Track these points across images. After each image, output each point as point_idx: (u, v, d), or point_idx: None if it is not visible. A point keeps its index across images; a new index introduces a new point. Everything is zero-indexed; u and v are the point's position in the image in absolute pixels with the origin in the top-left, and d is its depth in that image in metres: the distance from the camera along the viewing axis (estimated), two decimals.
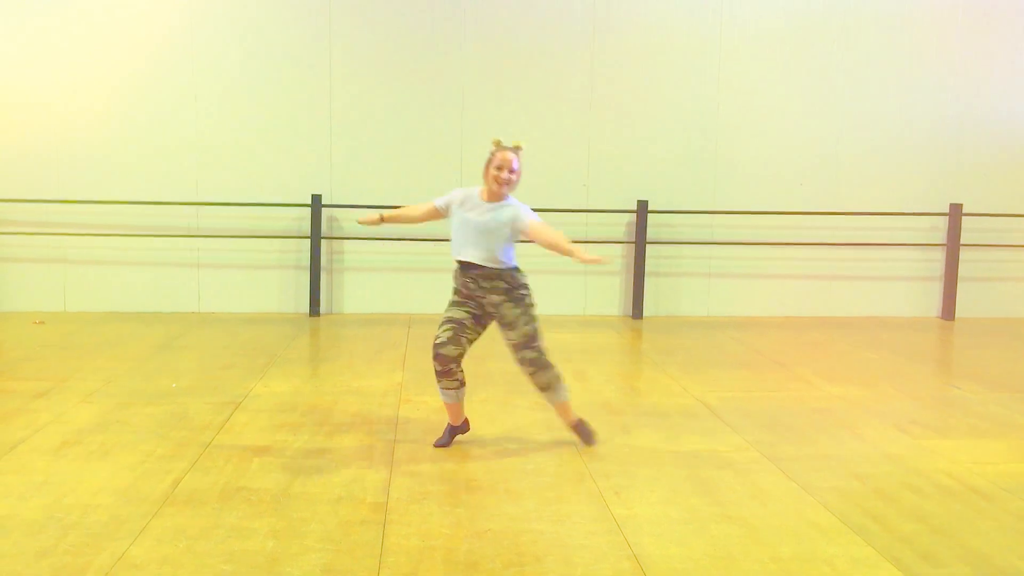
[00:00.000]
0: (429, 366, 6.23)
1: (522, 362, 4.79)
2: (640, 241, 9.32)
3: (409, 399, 5.87)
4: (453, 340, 4.69)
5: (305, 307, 9.27)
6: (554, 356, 7.20)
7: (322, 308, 9.26)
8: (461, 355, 4.74)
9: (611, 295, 9.63)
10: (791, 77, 9.55)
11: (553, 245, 4.63)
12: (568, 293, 9.56)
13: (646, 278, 9.43)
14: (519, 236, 4.74)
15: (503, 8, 9.24)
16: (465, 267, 4.72)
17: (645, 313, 9.46)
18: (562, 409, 4.95)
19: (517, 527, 3.80)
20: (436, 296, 9.30)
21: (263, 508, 3.94)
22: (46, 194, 8.99)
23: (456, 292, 4.82)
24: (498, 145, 4.78)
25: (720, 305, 9.69)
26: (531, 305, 4.81)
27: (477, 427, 5.22)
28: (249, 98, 9.13)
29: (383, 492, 4.17)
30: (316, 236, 9.11)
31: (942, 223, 9.78)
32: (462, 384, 4.81)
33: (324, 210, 9.19)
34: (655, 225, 9.44)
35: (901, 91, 9.67)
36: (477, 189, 4.79)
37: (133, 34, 8.97)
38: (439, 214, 4.88)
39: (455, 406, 4.86)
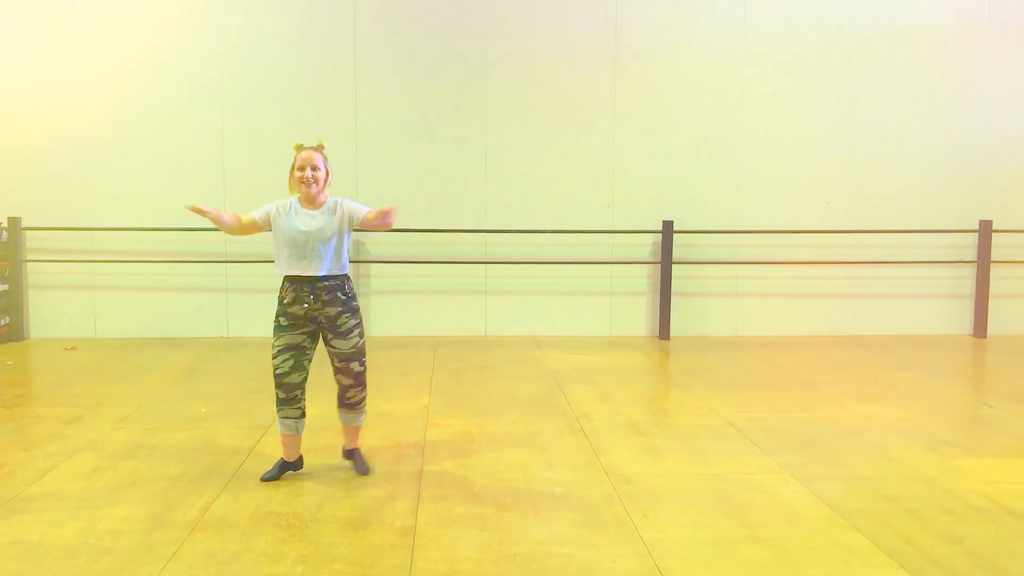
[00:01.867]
0: (456, 389, 6.27)
1: (346, 374, 4.69)
2: (666, 261, 9.31)
3: (436, 422, 5.88)
4: (296, 367, 4.61)
5: None
6: (581, 378, 7.24)
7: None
8: (305, 380, 4.67)
9: (637, 316, 9.60)
10: (814, 94, 9.53)
11: (380, 216, 4.52)
12: (594, 314, 9.55)
13: (672, 298, 9.40)
14: (355, 226, 4.64)
15: (526, 33, 9.30)
16: (302, 281, 4.54)
17: (672, 333, 9.43)
18: (355, 433, 4.88)
19: (545, 551, 3.79)
20: (462, 319, 9.38)
21: (292, 532, 3.96)
22: (76, 222, 9.12)
23: (285, 315, 4.59)
24: (299, 148, 4.67)
25: (747, 325, 9.64)
26: (361, 319, 4.73)
27: (504, 450, 5.22)
28: (276, 127, 9.22)
29: (411, 516, 4.18)
30: None
31: (972, 240, 9.69)
32: (303, 414, 4.71)
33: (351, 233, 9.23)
34: (680, 245, 9.42)
35: (928, 107, 9.62)
36: (293, 199, 4.66)
37: (162, 66, 9.10)
38: (257, 226, 4.66)
39: (294, 438, 4.69)
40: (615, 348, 8.83)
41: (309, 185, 4.56)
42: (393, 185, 9.30)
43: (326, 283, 4.57)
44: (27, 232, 9.13)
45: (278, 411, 4.66)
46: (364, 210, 4.65)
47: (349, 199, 4.74)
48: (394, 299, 9.43)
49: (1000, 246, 9.66)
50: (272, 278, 9.28)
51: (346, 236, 4.66)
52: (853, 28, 9.49)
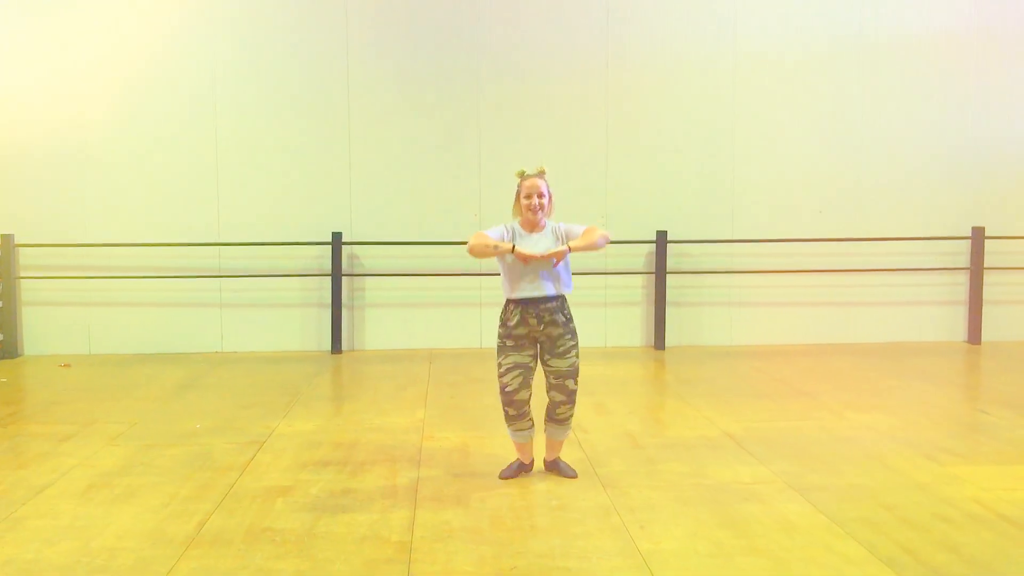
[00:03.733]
0: (452, 402, 6.25)
1: (560, 390, 4.81)
2: (660, 271, 9.32)
3: (432, 436, 5.87)
4: (525, 385, 4.77)
5: (327, 345, 9.31)
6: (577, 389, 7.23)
7: (344, 345, 9.30)
8: (530, 396, 4.83)
9: (633, 326, 9.61)
10: (808, 103, 9.56)
11: (592, 246, 4.78)
12: (589, 324, 9.52)
13: (667, 308, 9.41)
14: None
15: (519, 44, 9.33)
16: (530, 303, 4.70)
17: (667, 343, 9.43)
18: (558, 446, 5.01)
19: (543, 564, 3.78)
20: (457, 331, 9.37)
21: (288, 548, 3.94)
22: (69, 238, 9.10)
23: (510, 336, 4.73)
24: (522, 175, 4.85)
25: (743, 334, 9.64)
26: (578, 339, 4.88)
27: (501, 463, 5.21)
28: (269, 139, 9.24)
29: (407, 530, 4.16)
30: (337, 273, 9.17)
31: (965, 247, 9.72)
32: (532, 425, 4.90)
33: (344, 247, 9.25)
34: (675, 255, 9.44)
35: (920, 115, 9.66)
36: (515, 224, 4.83)
37: (152, 79, 9.11)
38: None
39: (527, 445, 4.95)
40: (610, 358, 8.83)
41: (536, 212, 4.73)
42: (387, 196, 9.30)
43: (550, 304, 4.72)
44: (20, 249, 9.12)
45: (510, 425, 4.84)
46: (578, 231, 4.81)
47: (563, 222, 4.89)
48: (389, 311, 9.42)
49: (993, 252, 9.69)
50: (265, 292, 9.32)
51: (568, 260, 4.81)
52: (846, 37, 9.53)
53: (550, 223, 4.86)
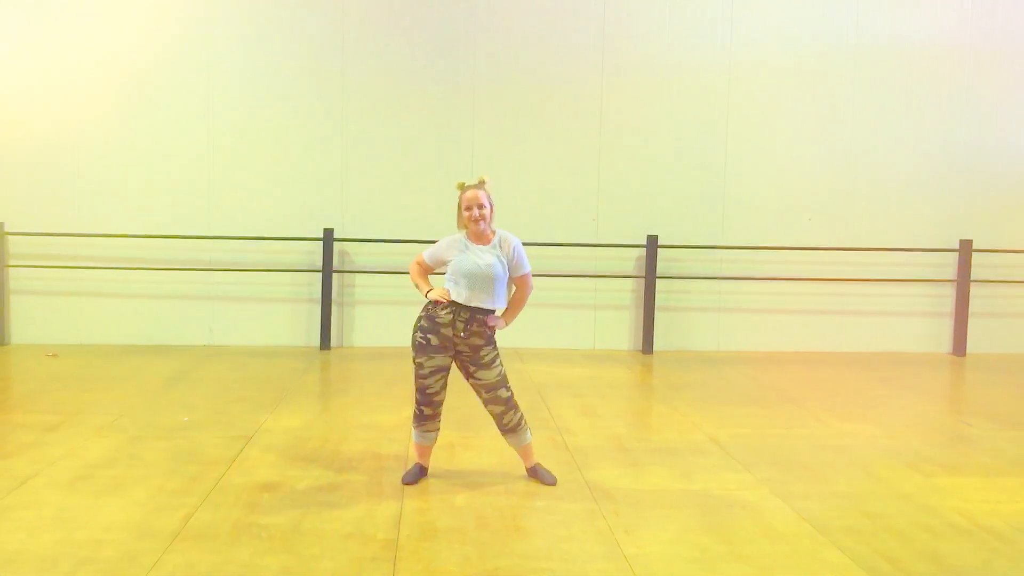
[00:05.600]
0: None
1: (495, 402, 4.82)
2: (650, 276, 9.35)
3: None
4: (445, 387, 4.79)
5: (316, 340, 9.31)
6: (564, 391, 7.25)
7: (332, 342, 9.29)
8: (445, 398, 4.84)
9: (621, 330, 9.64)
10: (799, 112, 9.61)
11: (516, 304, 4.91)
12: (578, 328, 9.57)
13: (656, 313, 9.44)
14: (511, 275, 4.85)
15: (514, 45, 9.34)
16: (462, 310, 4.71)
17: (655, 348, 9.46)
18: (526, 452, 4.98)
19: (527, 565, 3.79)
20: None
21: (274, 544, 3.94)
22: (59, 228, 9.07)
23: (430, 336, 4.72)
24: (462, 187, 4.86)
25: (730, 340, 9.68)
26: (497, 346, 4.87)
27: (486, 464, 5.23)
28: (262, 133, 9.23)
29: (393, 529, 4.17)
30: (328, 270, 9.16)
31: (952, 259, 9.78)
32: (439, 430, 4.92)
33: (336, 244, 9.24)
34: (665, 260, 9.46)
35: (910, 127, 9.71)
36: (460, 235, 4.85)
37: (147, 71, 9.09)
38: (429, 269, 4.93)
39: (429, 448, 4.93)
40: (598, 361, 8.85)
41: (477, 222, 4.74)
42: (379, 194, 9.30)
43: (482, 315, 4.73)
44: (10, 237, 9.08)
45: (419, 426, 4.83)
46: (523, 271, 4.88)
47: (518, 242, 4.91)
48: (379, 309, 9.43)
49: (980, 265, 9.76)
50: (256, 287, 9.31)
51: (509, 277, 4.84)
52: (838, 47, 9.58)
53: (499, 234, 4.86)
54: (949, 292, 9.85)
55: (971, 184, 9.81)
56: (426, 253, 4.92)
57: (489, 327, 4.75)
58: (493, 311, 4.79)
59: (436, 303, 4.75)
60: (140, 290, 9.23)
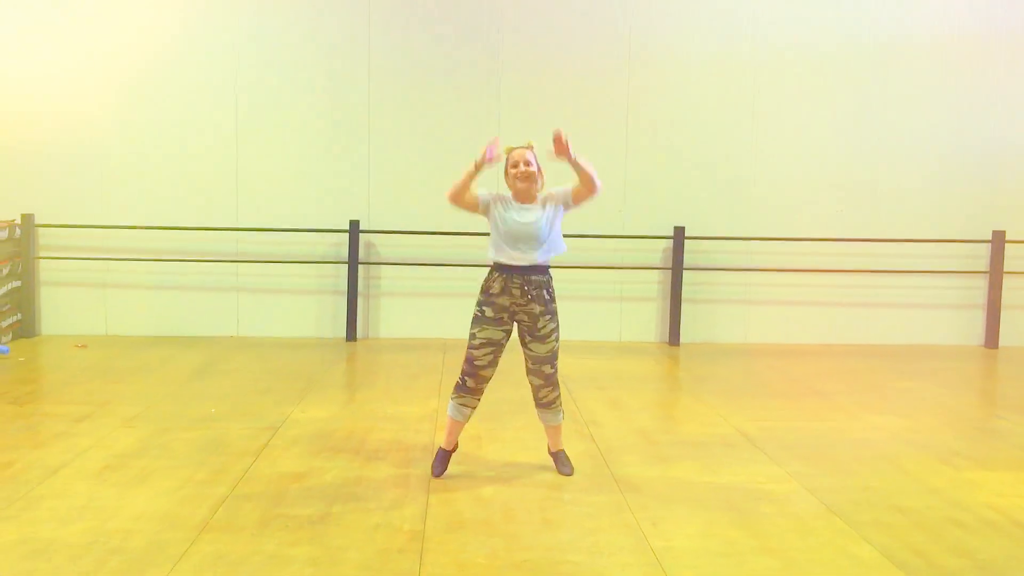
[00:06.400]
0: None
1: (538, 375, 4.78)
2: (677, 267, 9.29)
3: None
4: (493, 363, 4.73)
5: (342, 332, 9.33)
6: (590, 384, 7.23)
7: (358, 333, 9.32)
8: (492, 377, 4.80)
9: (647, 321, 9.59)
10: (828, 102, 9.50)
11: (588, 174, 4.77)
12: (603, 319, 9.54)
13: (683, 304, 9.38)
14: (570, 205, 4.83)
15: (539, 36, 9.30)
16: (516, 271, 4.64)
17: (682, 340, 9.41)
18: (555, 432, 4.96)
19: (554, 558, 3.78)
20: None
21: (301, 535, 3.96)
22: (88, 219, 9.14)
23: (491, 305, 4.68)
24: (509, 150, 4.82)
25: (758, 332, 9.61)
26: (559, 322, 4.80)
27: (513, 456, 5.22)
28: (288, 126, 9.25)
29: (420, 520, 4.17)
30: (353, 261, 9.18)
31: (984, 250, 9.65)
32: (475, 409, 4.87)
33: (361, 236, 9.26)
34: (692, 251, 9.40)
35: (942, 116, 9.58)
36: (507, 195, 4.80)
37: (174, 63, 9.13)
38: (476, 206, 4.79)
39: (461, 426, 4.86)
40: (624, 354, 8.82)
41: (524, 180, 4.69)
42: (405, 186, 9.30)
43: (537, 278, 4.67)
44: (39, 229, 9.17)
45: (458, 398, 4.75)
46: (569, 187, 4.82)
47: (556, 189, 4.84)
48: (404, 300, 9.44)
49: (1013, 257, 9.62)
50: (282, 279, 9.35)
51: (559, 226, 4.79)
52: (867, 37, 9.46)
53: (541, 195, 4.80)
54: (981, 284, 9.72)
55: (1004, 174, 9.66)
56: (478, 189, 4.77)
57: (563, 145, 4.64)
58: (546, 268, 4.72)
59: (488, 279, 4.68)
60: (168, 281, 9.29)
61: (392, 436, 5.61)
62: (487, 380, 4.77)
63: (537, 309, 4.68)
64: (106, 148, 9.15)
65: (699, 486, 4.76)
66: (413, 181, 9.33)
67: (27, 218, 9.04)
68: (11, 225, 8.90)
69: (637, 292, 9.55)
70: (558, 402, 4.88)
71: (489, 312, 4.69)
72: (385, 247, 9.39)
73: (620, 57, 9.35)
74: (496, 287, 4.68)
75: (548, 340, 4.72)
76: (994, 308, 9.58)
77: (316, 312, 9.42)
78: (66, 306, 9.26)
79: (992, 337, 9.59)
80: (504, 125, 9.31)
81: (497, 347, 4.71)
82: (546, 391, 4.82)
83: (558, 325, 4.78)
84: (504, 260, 4.66)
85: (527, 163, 4.71)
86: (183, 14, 9.12)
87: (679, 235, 9.27)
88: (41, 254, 9.20)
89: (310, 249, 9.33)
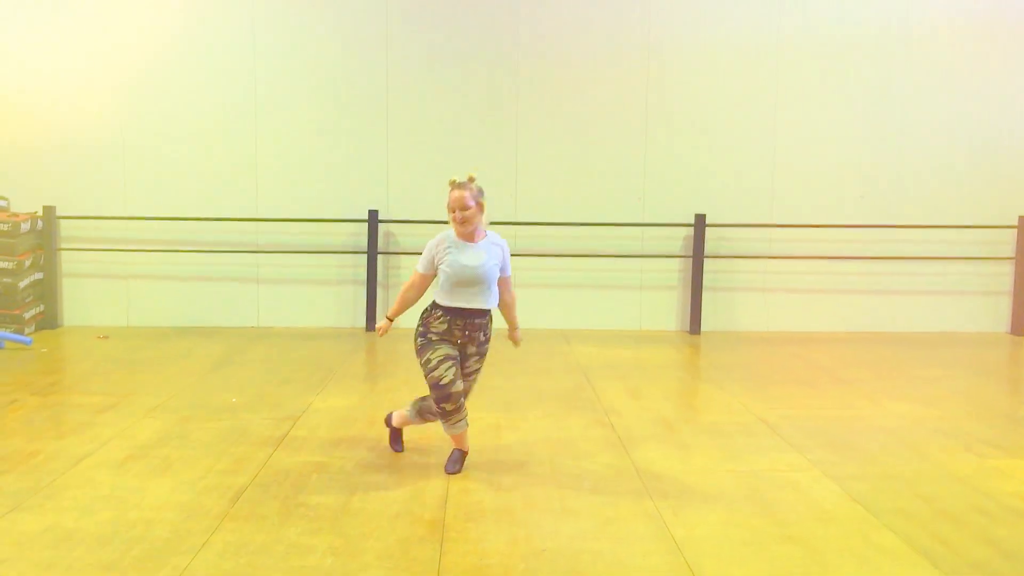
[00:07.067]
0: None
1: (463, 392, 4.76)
2: (698, 255, 9.24)
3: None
4: (457, 375, 4.62)
5: (362, 322, 9.35)
6: (610, 372, 7.21)
7: (378, 323, 9.31)
8: (462, 391, 4.72)
9: (668, 310, 9.55)
10: (849, 87, 9.41)
11: (510, 307, 4.96)
12: (624, 308, 9.50)
13: (704, 293, 9.33)
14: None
15: (559, 26, 9.26)
16: (461, 314, 4.62)
17: (703, 328, 9.36)
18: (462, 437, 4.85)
19: (575, 546, 3.77)
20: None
21: (322, 524, 3.96)
22: (109, 211, 9.20)
23: (434, 332, 4.66)
24: (452, 185, 4.74)
25: (779, 320, 9.55)
26: (484, 362, 4.90)
27: (532, 445, 5.22)
28: (307, 116, 9.26)
29: (440, 509, 4.17)
30: (373, 251, 9.19)
31: (1010, 236, 9.54)
32: (467, 411, 4.80)
33: (381, 225, 9.27)
34: (712, 239, 9.35)
35: (965, 101, 9.47)
36: (451, 233, 4.74)
37: (193, 56, 9.15)
38: (427, 280, 4.79)
39: (465, 433, 4.82)
40: (645, 342, 8.79)
41: (462, 224, 4.66)
42: (423, 175, 9.29)
43: (481, 320, 4.71)
44: (61, 221, 9.23)
45: (447, 420, 4.68)
46: (508, 273, 4.89)
47: (506, 244, 4.89)
48: None
49: None
50: (302, 269, 9.36)
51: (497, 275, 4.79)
52: (889, 22, 9.35)
53: (489, 236, 4.77)
54: (1007, 270, 9.61)
55: None
56: (419, 266, 4.77)
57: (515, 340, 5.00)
58: (488, 311, 4.73)
59: (431, 315, 4.69)
60: (188, 272, 9.34)
61: (413, 426, 5.59)
62: (460, 394, 4.65)
63: (471, 349, 4.72)
64: (126, 140, 9.19)
65: (720, 474, 4.74)
66: (431, 170, 9.30)
67: (48, 210, 9.10)
68: (33, 217, 8.96)
69: (657, 280, 9.51)
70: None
71: (434, 338, 4.66)
72: (404, 236, 9.39)
73: (639, 45, 9.29)
74: (440, 327, 4.65)
75: (469, 379, 4.79)
76: (1020, 294, 9.48)
77: (336, 302, 9.44)
78: (88, 297, 9.32)
79: (1019, 324, 9.49)
80: (522, 113, 9.28)
81: (455, 360, 4.64)
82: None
83: (483, 367, 4.86)
84: (450, 303, 4.62)
85: (463, 208, 4.63)
86: (201, 5, 9.13)
87: (700, 223, 9.22)
88: (63, 246, 9.26)
89: (329, 239, 9.34)
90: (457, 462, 4.78)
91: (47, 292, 9.11)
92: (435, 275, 4.75)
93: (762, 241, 9.46)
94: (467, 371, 4.77)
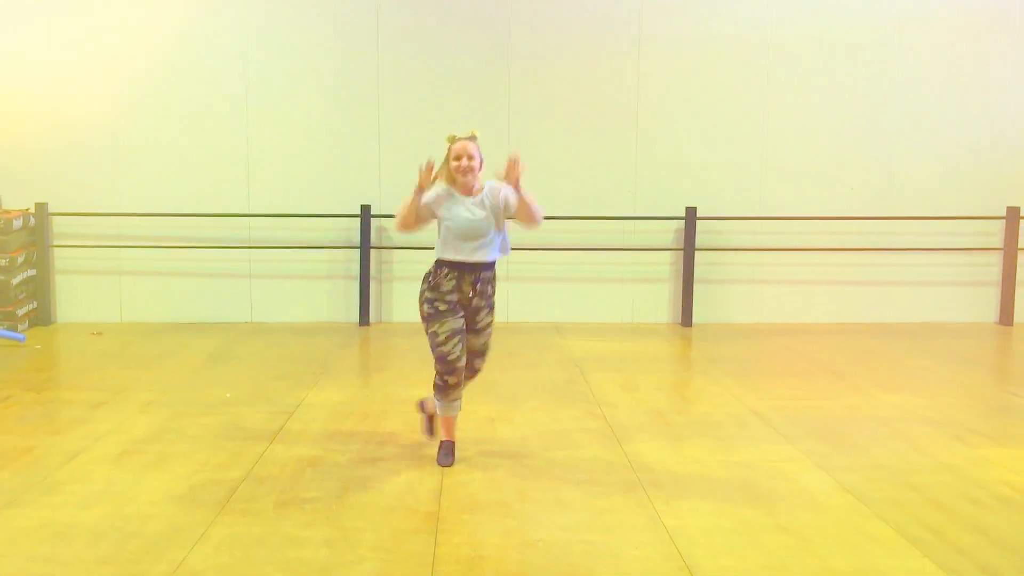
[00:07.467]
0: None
1: (469, 369, 4.78)
2: (689, 248, 9.27)
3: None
4: (463, 351, 4.66)
5: (355, 317, 9.36)
6: (603, 365, 7.24)
7: (371, 318, 9.34)
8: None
9: (659, 303, 9.58)
10: (839, 80, 9.43)
11: (530, 211, 4.67)
12: (615, 301, 9.53)
13: (695, 285, 9.37)
14: (511, 215, 4.73)
15: (549, 18, 9.26)
16: (467, 268, 4.62)
17: (694, 321, 9.40)
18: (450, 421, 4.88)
19: (568, 537, 3.80)
20: None
21: (317, 517, 3.99)
22: (102, 208, 9.18)
23: (437, 304, 4.63)
24: (452, 139, 4.76)
25: (770, 312, 9.59)
26: (495, 314, 4.83)
27: (527, 437, 5.25)
28: (299, 111, 9.25)
29: (434, 501, 4.20)
30: (365, 246, 9.20)
31: (998, 227, 9.59)
32: (462, 397, 4.84)
33: (373, 220, 9.27)
34: (703, 232, 9.37)
35: (954, 93, 9.50)
36: (446, 187, 4.73)
37: (186, 49, 9.13)
38: (429, 219, 4.76)
39: (454, 420, 4.85)
40: (637, 335, 8.82)
41: (464, 174, 4.64)
42: (415, 172, 9.25)
43: (486, 273, 4.68)
44: (54, 217, 9.21)
45: (443, 397, 4.72)
46: (512, 199, 4.68)
47: (494, 184, 4.76)
48: (416, 285, 9.34)
49: None
50: (295, 264, 9.36)
51: (503, 223, 4.74)
52: (879, 14, 9.38)
53: (487, 186, 4.74)
54: (995, 260, 9.66)
55: (1017, 150, 9.58)
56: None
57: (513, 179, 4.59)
58: (493, 263, 4.71)
59: (437, 275, 4.65)
60: (181, 268, 9.33)
61: (406, 419, 5.63)
62: (463, 371, 4.72)
63: (481, 303, 4.70)
64: (118, 136, 9.17)
65: (712, 465, 4.78)
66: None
67: (41, 207, 9.08)
68: (25, 214, 8.95)
69: (649, 273, 9.54)
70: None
71: (443, 307, 4.63)
72: (397, 232, 9.38)
73: (631, 37, 9.30)
74: (448, 284, 4.63)
75: (483, 333, 4.76)
76: (1008, 285, 9.53)
77: (329, 297, 9.45)
78: (81, 294, 9.31)
79: (1007, 314, 9.54)
80: (513, 106, 9.29)
81: (462, 335, 4.66)
82: (467, 383, 4.86)
83: (494, 318, 4.82)
84: (456, 258, 4.62)
85: (470, 156, 4.65)
86: (194, 2, 9.11)
87: (691, 215, 9.25)
88: (56, 242, 9.25)
89: (322, 234, 9.34)
90: (449, 454, 4.80)
91: (40, 289, 9.10)
92: (430, 216, 4.73)
93: (753, 233, 9.49)
94: (479, 325, 4.72)
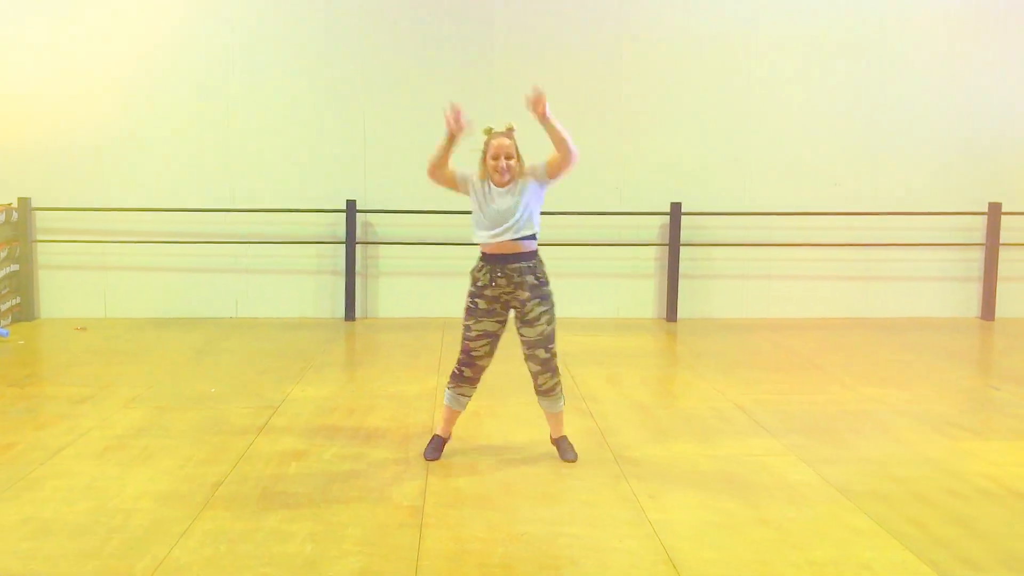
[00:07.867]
0: None
1: (533, 360, 4.68)
2: (674, 243, 9.29)
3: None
4: (490, 353, 4.70)
5: (340, 312, 9.35)
6: (589, 360, 7.26)
7: (357, 313, 9.33)
8: (489, 365, 4.77)
9: (645, 298, 9.61)
10: (823, 75, 9.47)
11: (562, 138, 4.70)
12: (601, 296, 9.55)
13: (680, 280, 9.39)
14: (547, 182, 4.73)
15: (532, 15, 9.26)
16: (497, 260, 4.57)
17: (679, 316, 9.43)
18: (556, 420, 4.84)
19: (552, 531, 3.81)
20: None
21: (302, 512, 3.99)
22: (86, 202, 9.14)
23: (477, 300, 4.61)
24: (490, 133, 4.74)
25: (755, 307, 9.63)
26: (553, 304, 4.68)
27: (512, 432, 5.26)
28: (283, 105, 9.22)
29: (419, 496, 4.21)
30: (351, 241, 9.19)
31: (980, 222, 9.65)
32: (471, 397, 4.85)
33: (359, 215, 9.26)
34: (688, 227, 9.40)
35: (937, 89, 9.56)
36: (478, 177, 4.74)
37: (169, 43, 9.09)
38: (455, 184, 4.82)
39: (457, 415, 4.86)
40: (622, 330, 8.84)
41: (503, 173, 4.61)
42: (401, 164, 9.28)
43: (519, 265, 4.58)
44: (37, 212, 9.16)
45: (455, 387, 4.74)
46: (542, 162, 4.71)
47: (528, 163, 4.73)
48: (403, 280, 9.45)
49: (1009, 229, 9.62)
50: (280, 259, 9.34)
51: (538, 205, 4.73)
52: (864, 9, 9.42)
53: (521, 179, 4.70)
54: (977, 256, 9.73)
55: (1000, 147, 9.65)
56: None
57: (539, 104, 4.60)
58: (529, 253, 4.63)
59: (476, 268, 4.64)
60: (166, 263, 9.30)
61: (391, 414, 5.64)
62: (484, 369, 4.74)
63: (524, 295, 4.58)
64: (101, 130, 9.13)
65: (697, 459, 4.80)
66: (410, 159, 9.28)
67: (24, 202, 9.03)
68: (8, 209, 8.89)
69: (634, 268, 9.56)
70: (558, 389, 4.75)
71: (482, 304, 4.61)
72: (382, 226, 9.39)
73: (615, 31, 9.31)
74: (483, 279, 4.60)
75: (537, 324, 4.60)
76: (990, 280, 9.60)
77: (314, 292, 9.43)
78: (65, 289, 9.27)
79: (988, 309, 9.62)
80: (498, 102, 9.26)
81: (493, 338, 4.66)
82: (544, 378, 4.70)
83: (551, 307, 4.65)
84: (485, 241, 4.59)
85: (508, 156, 4.62)
86: None
87: (676, 211, 9.27)
88: (39, 238, 9.20)
89: (307, 229, 9.33)
90: (437, 450, 4.81)
91: (23, 284, 9.05)
92: (456, 181, 4.84)
93: (738, 229, 9.53)
94: (528, 316, 4.59)
